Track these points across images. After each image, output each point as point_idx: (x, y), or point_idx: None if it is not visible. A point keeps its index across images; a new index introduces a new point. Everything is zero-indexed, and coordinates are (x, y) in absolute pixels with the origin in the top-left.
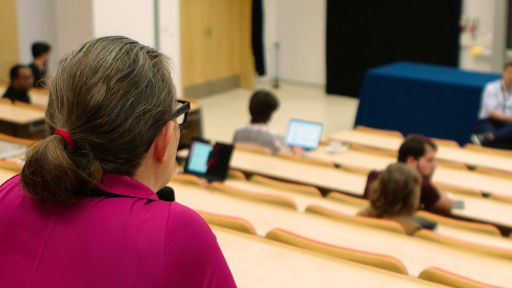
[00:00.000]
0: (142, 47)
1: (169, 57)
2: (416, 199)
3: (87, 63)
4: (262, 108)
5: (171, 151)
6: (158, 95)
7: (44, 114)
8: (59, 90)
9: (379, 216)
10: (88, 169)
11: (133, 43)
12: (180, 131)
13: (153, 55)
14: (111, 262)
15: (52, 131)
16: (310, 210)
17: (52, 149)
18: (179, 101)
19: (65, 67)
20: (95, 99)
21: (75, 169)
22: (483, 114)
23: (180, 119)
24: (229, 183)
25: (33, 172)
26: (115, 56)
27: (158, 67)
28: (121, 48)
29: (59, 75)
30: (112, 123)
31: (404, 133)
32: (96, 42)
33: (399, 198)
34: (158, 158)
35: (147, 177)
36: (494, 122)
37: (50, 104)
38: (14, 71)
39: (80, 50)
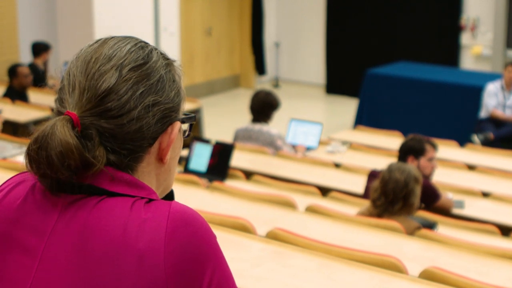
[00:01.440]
0: (156, 48)
1: (180, 65)
2: (416, 199)
3: (102, 52)
4: (263, 107)
5: (173, 153)
6: (168, 92)
7: (54, 103)
8: (72, 75)
9: (380, 215)
10: (93, 152)
11: (147, 43)
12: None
13: (166, 57)
14: (112, 262)
15: (60, 115)
16: (310, 209)
17: (60, 126)
18: (185, 114)
19: (79, 55)
20: (106, 84)
21: (80, 148)
22: (483, 114)
23: (184, 128)
24: (229, 183)
25: (39, 147)
26: (129, 48)
27: (170, 68)
28: (135, 44)
29: (73, 62)
30: (121, 109)
31: (404, 132)
32: (111, 38)
33: (399, 198)
34: (160, 158)
35: (148, 174)
36: (494, 122)
37: (62, 89)
38: (13, 70)
39: (96, 42)
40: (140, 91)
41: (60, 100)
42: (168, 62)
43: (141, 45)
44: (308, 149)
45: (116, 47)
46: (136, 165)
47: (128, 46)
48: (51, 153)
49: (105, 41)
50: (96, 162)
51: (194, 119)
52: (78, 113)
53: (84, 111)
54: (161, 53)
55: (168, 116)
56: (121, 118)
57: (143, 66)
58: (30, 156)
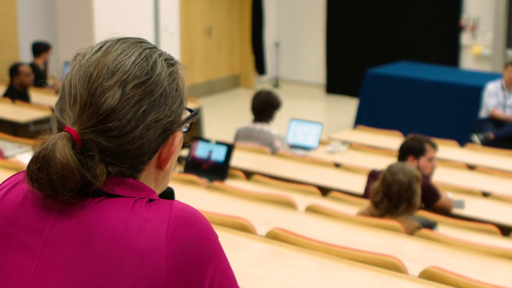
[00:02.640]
0: (160, 54)
1: (184, 67)
2: (418, 198)
3: (105, 64)
4: (264, 107)
5: (173, 160)
6: (171, 105)
7: (54, 108)
8: (73, 87)
9: (381, 216)
10: (93, 170)
11: (153, 48)
12: (184, 138)
13: (171, 63)
14: (112, 261)
15: (61, 125)
16: (310, 209)
17: (61, 147)
18: (187, 109)
19: (82, 64)
20: (108, 103)
21: (81, 169)
22: (483, 114)
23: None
24: (229, 183)
25: (40, 168)
26: (134, 61)
27: (174, 76)
28: (140, 53)
29: (75, 72)
30: (123, 129)
31: (404, 132)
32: (116, 43)
33: (403, 200)
34: (160, 166)
35: (148, 182)
36: (494, 122)
37: (62, 98)
38: (14, 69)
39: (99, 49)
40: (143, 109)
41: (60, 110)
42: (172, 70)
43: (146, 54)
44: (308, 149)
45: (120, 59)
46: (137, 174)
47: (132, 58)
48: (52, 176)
49: (108, 49)
50: (96, 181)
51: (195, 116)
52: (78, 129)
53: (84, 128)
54: (165, 59)
55: (169, 128)
56: (122, 138)
57: (147, 82)
58: (31, 176)
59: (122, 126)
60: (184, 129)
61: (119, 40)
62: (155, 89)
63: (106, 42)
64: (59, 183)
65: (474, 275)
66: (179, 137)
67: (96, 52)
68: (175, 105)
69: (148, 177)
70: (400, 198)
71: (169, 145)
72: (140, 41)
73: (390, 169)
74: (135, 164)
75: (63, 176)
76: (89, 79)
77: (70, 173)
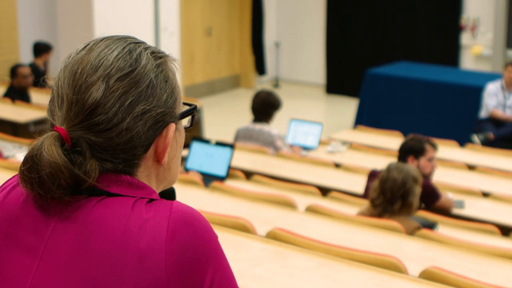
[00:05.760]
0: (146, 48)
1: (175, 59)
2: (415, 198)
3: (89, 61)
4: (263, 107)
5: (172, 153)
6: (160, 96)
7: (46, 111)
8: (60, 87)
9: (380, 215)
10: (84, 167)
11: (138, 43)
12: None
13: (158, 56)
14: (112, 262)
15: (53, 127)
16: (310, 209)
17: (48, 146)
18: (186, 104)
19: (67, 64)
20: (93, 97)
21: (69, 166)
22: (483, 114)
23: (186, 121)
24: (229, 183)
25: (29, 169)
26: (117, 55)
27: (162, 68)
28: (124, 48)
29: (61, 72)
30: (109, 122)
31: (404, 132)
32: (100, 41)
33: (397, 196)
34: (158, 160)
35: (148, 177)
36: (494, 122)
37: (52, 100)
38: (13, 71)
39: (83, 48)
40: (129, 101)
41: (51, 112)
42: (160, 62)
43: (130, 48)
44: (308, 149)
45: (103, 55)
46: (133, 170)
47: (115, 53)
48: (41, 174)
49: (92, 47)
50: (87, 177)
51: (195, 110)
52: (67, 127)
53: (72, 125)
54: (152, 52)
55: (161, 120)
56: (109, 131)
57: (131, 74)
58: (22, 177)
59: (108, 119)
60: (185, 124)
61: (103, 38)
62: (141, 80)
63: (90, 41)
64: (48, 181)
65: (474, 275)
66: (173, 128)
67: (80, 51)
68: (165, 96)
69: (146, 173)
70: (393, 194)
71: (163, 137)
72: (124, 37)
73: (388, 167)
74: (127, 159)
75: (51, 174)
76: (74, 77)
77: (58, 170)
